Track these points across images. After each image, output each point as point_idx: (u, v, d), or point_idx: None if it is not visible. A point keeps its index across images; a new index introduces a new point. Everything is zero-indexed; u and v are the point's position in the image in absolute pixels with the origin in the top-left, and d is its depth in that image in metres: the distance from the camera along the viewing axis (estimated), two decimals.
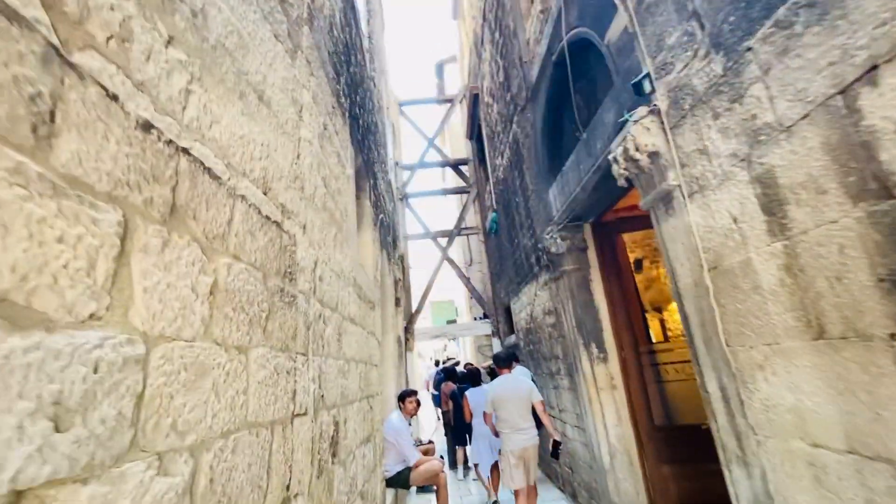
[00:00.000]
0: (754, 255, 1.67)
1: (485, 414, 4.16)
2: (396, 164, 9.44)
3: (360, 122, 3.37)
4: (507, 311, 8.35)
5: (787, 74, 1.42)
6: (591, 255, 4.09)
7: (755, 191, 1.63)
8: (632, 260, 4.21)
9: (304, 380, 1.44)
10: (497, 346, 8.88)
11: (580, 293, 4.00)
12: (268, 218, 1.24)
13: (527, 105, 4.63)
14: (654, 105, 2.19)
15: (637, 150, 2.26)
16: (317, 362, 1.60)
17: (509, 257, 6.92)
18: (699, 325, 2.07)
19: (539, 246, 4.49)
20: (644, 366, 3.81)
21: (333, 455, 1.78)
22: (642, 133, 2.21)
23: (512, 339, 7.63)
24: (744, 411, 1.83)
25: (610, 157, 2.55)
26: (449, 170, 14.10)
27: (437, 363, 16.41)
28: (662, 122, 2.16)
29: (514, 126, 5.37)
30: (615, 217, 4.33)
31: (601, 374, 3.80)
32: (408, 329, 8.78)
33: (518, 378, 4.08)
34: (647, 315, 4.04)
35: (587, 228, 4.12)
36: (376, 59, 5.79)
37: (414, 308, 9.18)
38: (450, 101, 10.56)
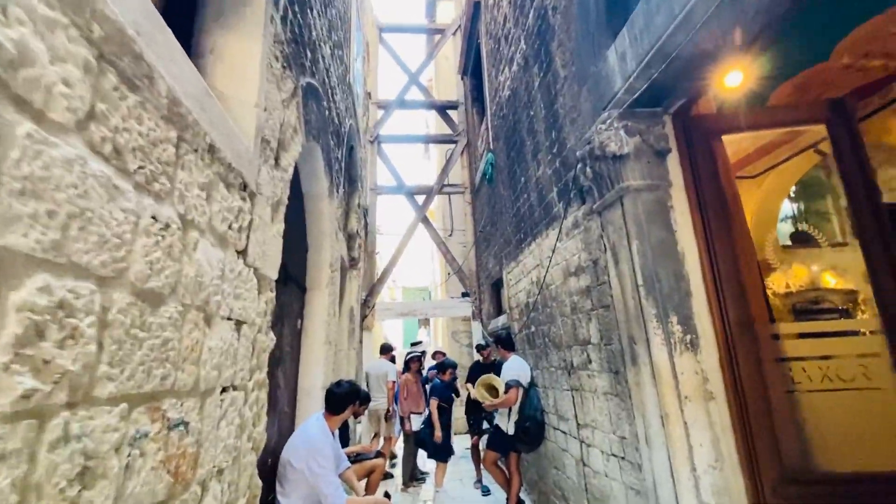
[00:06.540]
0: None
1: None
2: (369, 94, 7.50)
3: None
4: (495, 288, 6.62)
5: None
6: (674, 166, 2.38)
7: None
8: None
9: None
10: (478, 330, 7.15)
11: (653, 228, 2.27)
12: None
13: None
14: None
15: None
16: None
17: (508, 209, 5.16)
18: None
19: (578, 156, 2.72)
20: (764, 361, 2.12)
21: None
22: None
23: (500, 321, 5.91)
24: None
25: None
26: (432, 123, 12.23)
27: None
28: None
29: None
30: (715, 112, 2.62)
31: (687, 371, 2.09)
32: (367, 302, 6.95)
33: (384, 362, 5.82)
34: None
35: (669, 123, 2.41)
36: None
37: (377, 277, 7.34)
38: (441, 31, 8.66)
